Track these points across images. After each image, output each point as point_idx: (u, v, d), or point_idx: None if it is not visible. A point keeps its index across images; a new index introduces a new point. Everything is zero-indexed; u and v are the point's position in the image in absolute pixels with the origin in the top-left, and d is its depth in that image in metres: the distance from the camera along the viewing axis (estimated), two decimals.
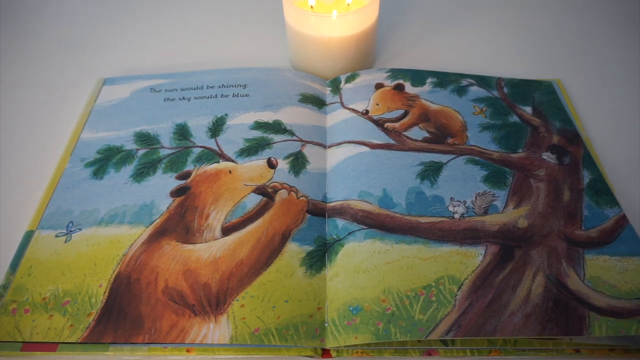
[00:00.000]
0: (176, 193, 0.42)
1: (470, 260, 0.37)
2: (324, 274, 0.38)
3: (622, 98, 0.54)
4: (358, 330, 0.34)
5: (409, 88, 0.51)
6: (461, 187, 0.42)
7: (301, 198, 0.42)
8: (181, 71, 0.55)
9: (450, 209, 0.41)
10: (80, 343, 0.34)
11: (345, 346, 0.34)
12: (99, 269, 0.38)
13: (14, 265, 0.39)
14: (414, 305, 0.35)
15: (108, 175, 0.44)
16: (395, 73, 0.53)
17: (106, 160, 0.46)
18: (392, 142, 0.46)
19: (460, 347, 0.34)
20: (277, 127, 0.48)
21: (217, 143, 0.46)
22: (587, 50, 0.60)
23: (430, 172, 0.43)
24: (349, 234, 0.39)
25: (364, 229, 0.39)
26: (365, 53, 0.54)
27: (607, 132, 0.49)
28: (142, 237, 0.39)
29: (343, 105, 0.50)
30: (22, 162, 0.48)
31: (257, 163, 0.44)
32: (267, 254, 0.38)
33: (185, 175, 0.44)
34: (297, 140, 0.46)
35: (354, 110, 0.49)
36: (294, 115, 0.49)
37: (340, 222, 0.40)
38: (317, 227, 0.40)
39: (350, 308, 0.35)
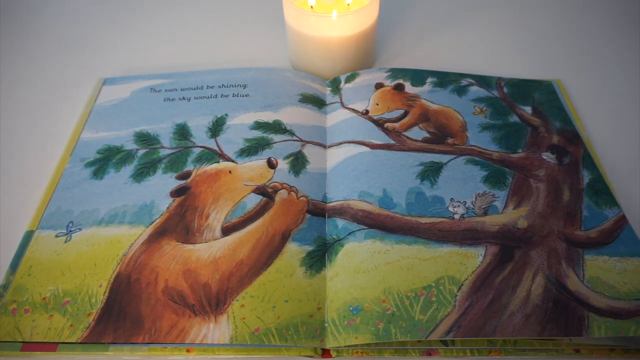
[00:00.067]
0: (176, 193, 0.42)
1: (470, 260, 0.37)
2: (324, 274, 0.38)
3: (622, 98, 0.54)
4: (358, 330, 0.34)
5: (409, 88, 0.51)
6: (461, 187, 0.42)
7: (301, 198, 0.42)
8: (181, 71, 0.55)
9: (450, 209, 0.41)
10: (80, 343, 0.34)
11: (345, 346, 0.34)
12: (99, 269, 0.38)
13: (14, 265, 0.39)
14: (414, 306, 0.35)
15: (108, 175, 0.44)
16: (395, 73, 0.53)
17: (106, 160, 0.46)
18: (392, 142, 0.46)
19: (460, 347, 0.34)
20: (277, 127, 0.48)
21: (217, 143, 0.46)
22: (587, 50, 0.60)
23: (430, 172, 0.43)
24: (349, 234, 0.39)
25: (364, 229, 0.39)
26: (365, 53, 0.54)
27: (607, 132, 0.49)
28: (142, 237, 0.39)
29: (343, 105, 0.50)
30: (22, 162, 0.48)
31: (257, 163, 0.44)
32: (267, 254, 0.38)
33: (185, 175, 0.44)
34: (297, 140, 0.46)
35: (354, 110, 0.49)
36: (294, 115, 0.49)
37: (340, 222, 0.40)
38: (317, 227, 0.40)
39: (351, 308, 0.35)
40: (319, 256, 0.39)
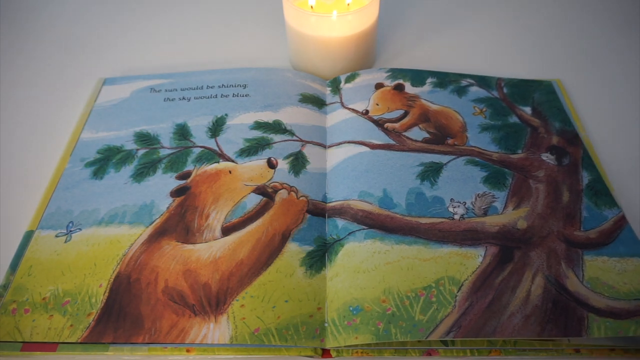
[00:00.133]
0: (176, 193, 0.42)
1: (470, 261, 0.37)
2: (324, 274, 0.38)
3: (622, 98, 0.54)
4: (358, 330, 0.34)
5: (409, 88, 0.51)
6: (461, 188, 0.42)
7: (301, 198, 0.42)
8: (181, 71, 0.55)
9: (450, 209, 0.41)
10: (80, 343, 0.34)
11: (345, 346, 0.34)
12: (99, 269, 0.38)
13: (14, 265, 0.39)
14: (414, 306, 0.35)
15: (108, 175, 0.44)
16: (395, 73, 0.53)
17: (106, 160, 0.46)
18: (392, 142, 0.46)
19: (460, 347, 0.35)
20: (277, 127, 0.48)
21: (217, 143, 0.46)
22: (587, 50, 0.60)
23: (430, 172, 0.43)
24: (349, 234, 0.39)
25: (364, 229, 0.39)
26: (365, 53, 0.54)
27: (607, 132, 0.49)
28: (142, 237, 0.39)
29: (343, 105, 0.50)
30: (22, 162, 0.48)
31: (257, 163, 0.44)
32: (267, 254, 0.38)
33: (185, 175, 0.44)
34: (297, 140, 0.47)
35: (354, 110, 0.49)
36: (294, 115, 0.49)
37: (340, 222, 0.40)
38: (317, 227, 0.40)
39: (351, 308, 0.35)
40: (319, 256, 0.39)
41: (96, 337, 0.34)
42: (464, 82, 0.52)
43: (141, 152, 0.46)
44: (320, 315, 0.35)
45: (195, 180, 0.43)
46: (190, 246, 0.39)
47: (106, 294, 0.36)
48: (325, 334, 0.35)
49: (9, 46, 0.62)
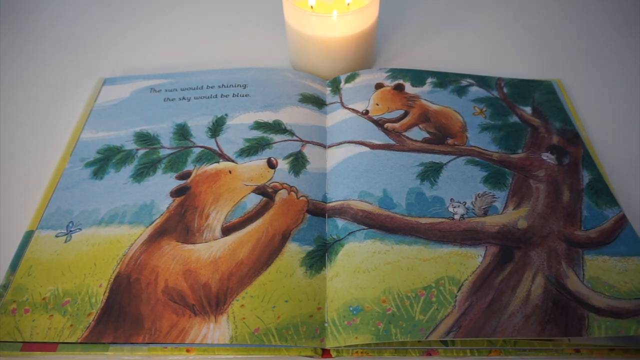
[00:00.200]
0: (176, 193, 0.42)
1: (470, 261, 0.37)
2: (324, 274, 0.38)
3: (622, 98, 0.54)
4: (358, 330, 0.34)
5: (409, 88, 0.51)
6: (461, 188, 0.42)
7: (301, 198, 0.42)
8: (181, 71, 0.55)
9: (450, 209, 0.41)
10: (80, 343, 0.34)
11: (345, 346, 0.34)
12: (99, 269, 0.38)
13: (14, 265, 0.39)
14: (414, 306, 0.35)
15: (108, 175, 0.44)
16: (395, 73, 0.53)
17: (106, 160, 0.46)
18: (392, 142, 0.46)
19: (460, 347, 0.34)
20: (277, 127, 0.48)
21: (217, 143, 0.46)
22: (587, 50, 0.60)
23: (430, 172, 0.43)
24: (349, 234, 0.39)
25: (364, 229, 0.39)
26: (365, 53, 0.54)
27: (607, 132, 0.49)
28: (142, 237, 0.39)
29: (343, 105, 0.50)
30: (22, 162, 0.48)
31: (257, 163, 0.44)
32: (267, 254, 0.38)
33: (185, 175, 0.44)
34: (297, 140, 0.47)
35: (354, 110, 0.49)
36: (294, 115, 0.49)
37: (341, 222, 0.40)
38: (317, 227, 0.40)
39: (351, 308, 0.35)
40: (319, 256, 0.39)
41: (96, 337, 0.34)
42: (464, 82, 0.52)
43: (141, 152, 0.46)
44: (320, 315, 0.35)
45: (195, 180, 0.43)
46: (190, 246, 0.38)
47: (106, 294, 0.36)
48: (325, 334, 0.35)
49: (9, 46, 0.62)
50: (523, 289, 0.36)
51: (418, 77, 0.53)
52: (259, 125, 0.48)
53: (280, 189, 0.42)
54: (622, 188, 0.44)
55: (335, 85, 0.53)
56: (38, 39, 0.64)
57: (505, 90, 0.52)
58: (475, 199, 0.41)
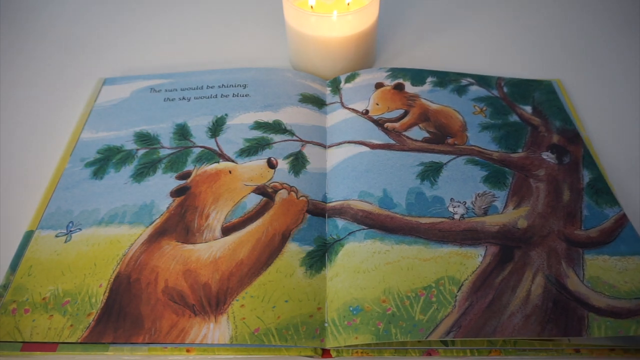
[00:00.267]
0: (176, 193, 0.42)
1: (470, 261, 0.37)
2: (324, 274, 0.38)
3: (622, 98, 0.54)
4: (358, 330, 0.34)
5: (408, 87, 0.51)
6: (461, 187, 0.42)
7: (301, 198, 0.42)
8: (181, 71, 0.55)
9: (450, 209, 0.41)
10: (80, 343, 0.34)
11: (345, 346, 0.34)
12: (99, 269, 0.38)
13: (14, 265, 0.39)
14: (415, 306, 0.35)
15: (108, 175, 0.44)
16: (395, 72, 0.53)
17: (106, 160, 0.46)
18: (392, 142, 0.46)
19: (460, 347, 0.34)
20: (277, 127, 0.48)
21: (217, 143, 0.46)
22: (587, 50, 0.60)
23: (430, 172, 0.43)
24: (349, 234, 0.39)
25: (364, 229, 0.39)
26: (365, 53, 0.54)
27: (607, 132, 0.49)
28: (142, 237, 0.39)
29: (343, 105, 0.50)
30: (22, 162, 0.48)
31: (257, 163, 0.44)
32: (267, 254, 0.38)
33: (185, 175, 0.44)
34: (297, 140, 0.46)
35: (354, 110, 0.49)
36: (294, 115, 0.49)
37: (341, 222, 0.40)
38: (317, 227, 0.40)
39: (351, 308, 0.35)
40: (319, 256, 0.39)
41: (96, 337, 0.34)
42: (464, 82, 0.52)
43: (141, 152, 0.46)
44: (320, 315, 0.35)
45: (195, 180, 0.43)
46: (190, 246, 0.38)
47: (106, 294, 0.36)
48: (325, 334, 0.35)
49: (9, 46, 0.62)
50: (523, 288, 0.36)
51: (418, 76, 0.53)
52: (259, 125, 0.48)
53: (280, 189, 0.42)
54: (623, 187, 0.44)
55: (335, 85, 0.53)
56: (38, 39, 0.64)
57: (505, 89, 0.52)
58: (475, 198, 0.41)
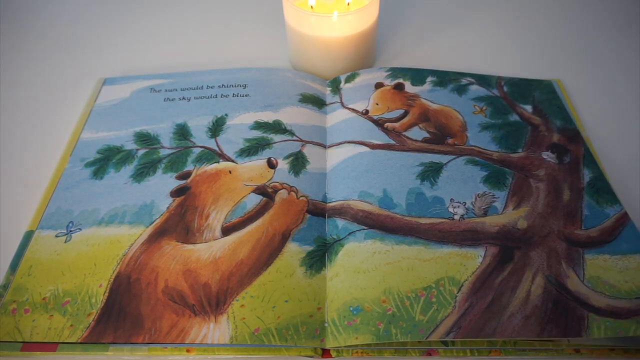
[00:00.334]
0: (176, 193, 0.42)
1: (470, 261, 0.37)
2: (324, 274, 0.38)
3: (622, 98, 0.54)
4: (358, 330, 0.34)
5: (408, 87, 0.51)
6: (461, 188, 0.42)
7: (301, 198, 0.42)
8: (181, 71, 0.55)
9: (450, 210, 0.41)
10: (80, 343, 0.34)
11: (345, 346, 0.34)
12: (99, 269, 0.38)
13: (14, 265, 0.39)
14: (415, 306, 0.35)
15: (108, 175, 0.44)
16: (395, 72, 0.53)
17: (106, 160, 0.46)
18: (392, 142, 0.46)
19: (460, 347, 0.34)
20: (277, 127, 0.48)
21: (217, 143, 0.46)
22: (587, 50, 0.60)
23: (430, 172, 0.43)
24: (349, 234, 0.39)
25: (364, 229, 0.39)
26: (365, 53, 0.54)
27: (607, 132, 0.49)
28: (142, 237, 0.39)
29: (343, 105, 0.50)
30: (22, 162, 0.48)
31: (257, 163, 0.44)
32: (267, 254, 0.38)
33: (185, 175, 0.44)
34: (297, 140, 0.46)
35: (354, 110, 0.49)
36: (294, 115, 0.49)
37: (341, 222, 0.40)
38: (317, 227, 0.40)
39: (351, 308, 0.35)
40: (319, 256, 0.39)
41: (96, 337, 0.34)
42: (464, 81, 0.52)
43: (141, 152, 0.46)
44: (320, 315, 0.35)
45: (195, 180, 0.43)
46: (190, 246, 0.38)
47: (106, 294, 0.36)
48: (325, 334, 0.35)
49: (9, 46, 0.62)
50: (523, 289, 0.36)
51: (418, 76, 0.53)
52: (259, 125, 0.48)
53: (280, 189, 0.42)
54: (623, 186, 0.44)
55: (335, 85, 0.53)
56: (38, 39, 0.64)
57: (505, 89, 0.52)
58: (475, 199, 0.41)
